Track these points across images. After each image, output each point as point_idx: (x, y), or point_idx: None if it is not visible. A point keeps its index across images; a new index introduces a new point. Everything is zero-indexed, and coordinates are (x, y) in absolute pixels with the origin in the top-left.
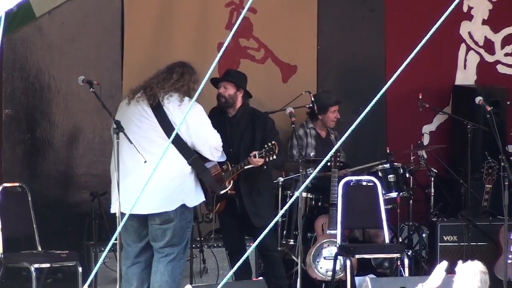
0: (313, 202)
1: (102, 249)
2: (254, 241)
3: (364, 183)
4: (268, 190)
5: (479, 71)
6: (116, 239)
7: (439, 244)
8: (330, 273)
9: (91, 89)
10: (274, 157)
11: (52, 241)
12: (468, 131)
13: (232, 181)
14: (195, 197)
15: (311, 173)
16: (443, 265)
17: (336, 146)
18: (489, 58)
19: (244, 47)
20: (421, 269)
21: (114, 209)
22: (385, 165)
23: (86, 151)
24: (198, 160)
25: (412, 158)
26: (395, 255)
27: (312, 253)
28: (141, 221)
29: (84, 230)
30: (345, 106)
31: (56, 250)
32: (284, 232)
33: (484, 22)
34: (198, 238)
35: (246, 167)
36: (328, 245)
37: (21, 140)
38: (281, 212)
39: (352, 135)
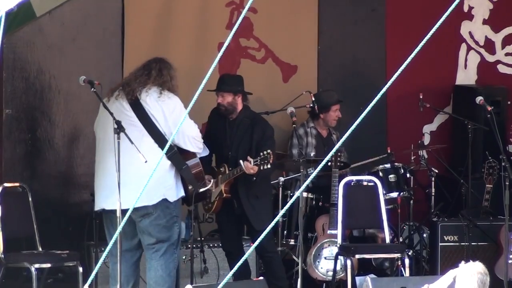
0: (314, 202)
1: (103, 249)
2: (253, 242)
3: (365, 183)
4: (266, 194)
5: (479, 71)
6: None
7: (440, 244)
8: (330, 273)
9: (92, 89)
10: (268, 166)
11: (53, 241)
12: (469, 131)
13: (224, 183)
14: (175, 191)
15: (312, 173)
16: (454, 272)
17: (336, 146)
18: (489, 58)
19: (244, 47)
20: (422, 269)
21: (98, 206)
22: (385, 165)
23: (87, 151)
24: (177, 154)
25: (412, 158)
26: (395, 255)
27: (313, 253)
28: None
29: (84, 230)
30: (346, 106)
31: (56, 250)
32: (285, 232)
33: (485, 22)
34: (199, 238)
35: (237, 175)
36: (329, 245)
37: (22, 140)
38: (281, 212)
39: (352, 135)
